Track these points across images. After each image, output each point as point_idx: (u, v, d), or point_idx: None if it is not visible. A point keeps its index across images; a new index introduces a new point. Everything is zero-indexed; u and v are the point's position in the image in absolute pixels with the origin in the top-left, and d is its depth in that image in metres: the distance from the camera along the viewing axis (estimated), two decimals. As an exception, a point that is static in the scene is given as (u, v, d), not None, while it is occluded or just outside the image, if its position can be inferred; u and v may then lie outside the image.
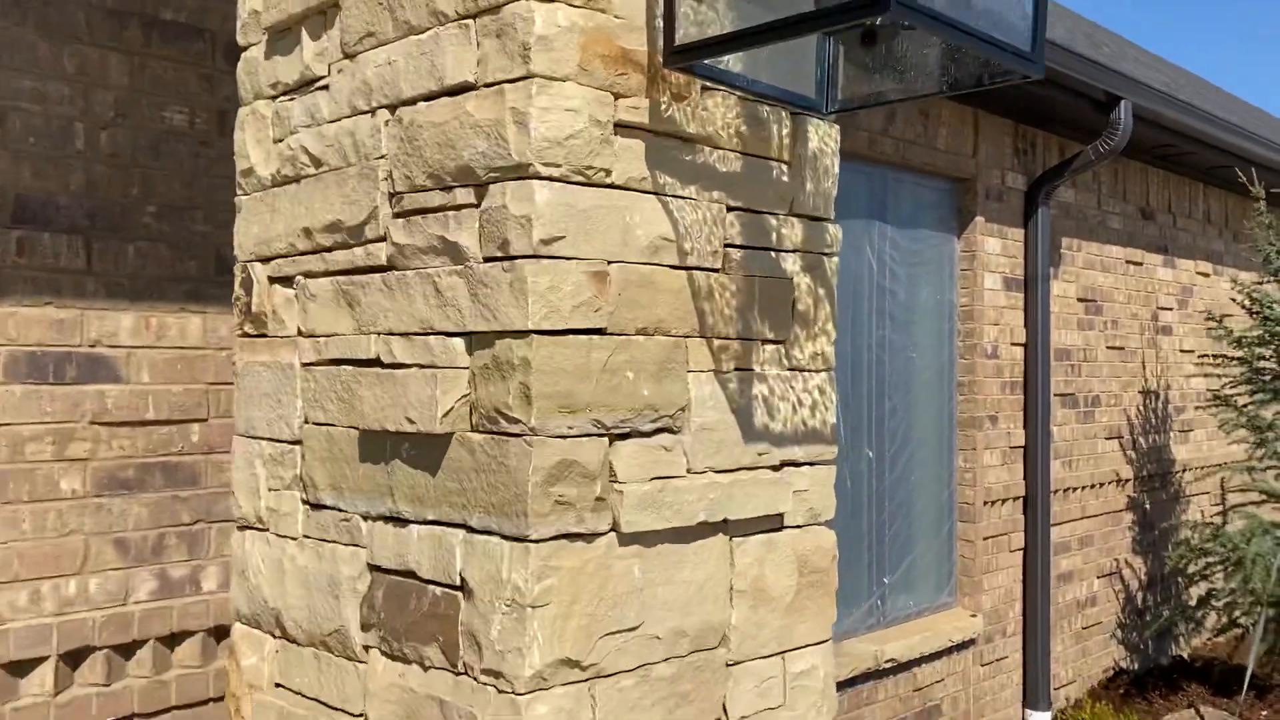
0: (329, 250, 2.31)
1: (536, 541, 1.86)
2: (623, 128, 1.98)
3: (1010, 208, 5.45)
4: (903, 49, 2.02)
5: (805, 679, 2.32)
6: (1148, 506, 6.64)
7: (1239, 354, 6.02)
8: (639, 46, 2.00)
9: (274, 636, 2.43)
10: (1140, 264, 6.61)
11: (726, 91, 2.17)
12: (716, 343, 2.16)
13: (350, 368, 2.23)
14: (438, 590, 2.02)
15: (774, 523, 2.27)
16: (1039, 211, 5.49)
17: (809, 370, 2.36)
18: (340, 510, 2.26)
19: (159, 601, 3.94)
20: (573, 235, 1.90)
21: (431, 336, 2.05)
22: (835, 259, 2.42)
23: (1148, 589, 6.64)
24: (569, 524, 1.91)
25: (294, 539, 2.38)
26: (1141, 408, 6.62)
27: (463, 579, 1.97)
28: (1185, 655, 6.79)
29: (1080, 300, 6.09)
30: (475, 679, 1.93)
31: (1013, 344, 5.43)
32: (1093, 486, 6.17)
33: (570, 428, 1.90)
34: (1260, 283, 6.13)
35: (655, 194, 2.04)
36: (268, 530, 2.47)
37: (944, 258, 5.14)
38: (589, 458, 1.94)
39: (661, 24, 2.01)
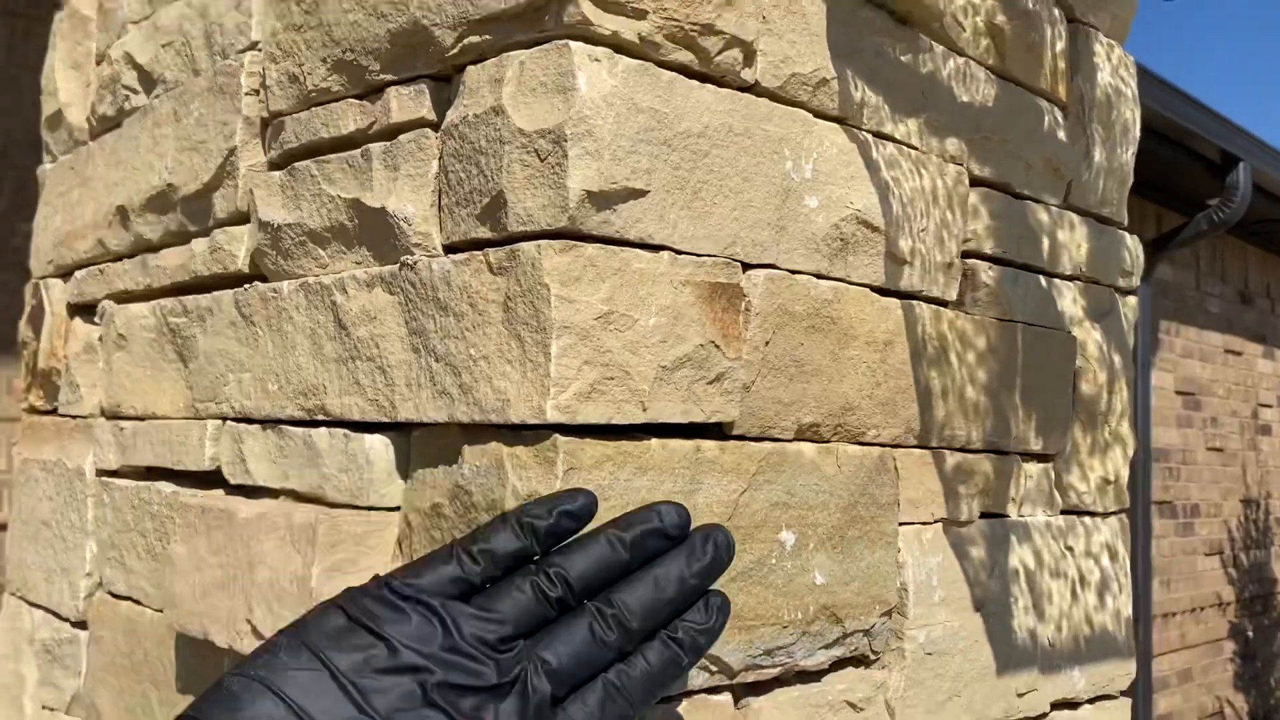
0: (154, 248, 1.17)
1: None
2: (784, -39, 0.85)
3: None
4: None
5: None
6: (1250, 634, 5.63)
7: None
8: None
9: None
10: (1239, 354, 5.64)
11: (970, -60, 1.04)
12: (950, 459, 1.00)
13: (166, 487, 1.07)
14: None
15: (1041, 835, 1.08)
16: (1139, 288, 4.34)
17: (1095, 512, 1.19)
18: (138, 785, 1.07)
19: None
20: (667, 189, 0.76)
21: (323, 430, 0.89)
22: (1135, 299, 1.27)
23: (1251, 731, 5.54)
24: None
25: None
26: (1242, 518, 5.69)
27: None
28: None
29: (1179, 393, 5.08)
30: None
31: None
32: (1193, 611, 5.17)
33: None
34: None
35: (841, 122, 0.90)
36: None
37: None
38: (690, 757, 0.76)
39: None
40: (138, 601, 1.10)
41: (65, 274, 1.36)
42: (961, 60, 1.03)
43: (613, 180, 0.72)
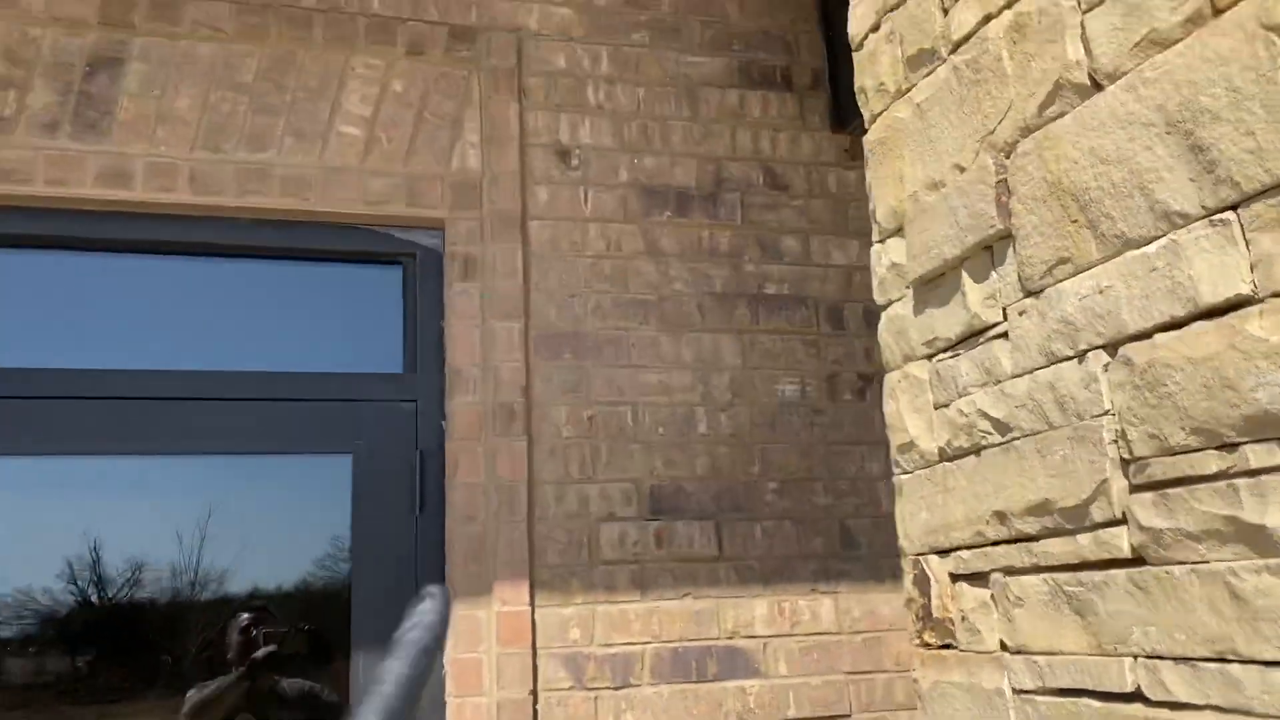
0: (1035, 539, 1.78)
1: None
2: None
3: None
4: None
5: None
6: None
7: None
8: None
9: None
10: None
11: None
12: None
13: (1095, 702, 1.63)
14: None
15: None
16: None
17: None
18: None
19: None
20: None
21: (1235, 665, 1.39)
22: None
23: None
24: None
25: None
26: None
27: None
28: None
29: None
30: None
31: None
32: None
33: None
34: None
35: None
36: None
37: None
38: None
39: None
40: (1075, 781, 1.65)
41: (941, 552, 2.03)
42: None
43: None
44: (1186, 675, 1.46)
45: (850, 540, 3.75)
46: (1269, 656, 1.34)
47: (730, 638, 3.57)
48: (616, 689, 3.42)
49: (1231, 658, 1.39)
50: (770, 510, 3.70)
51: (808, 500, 3.74)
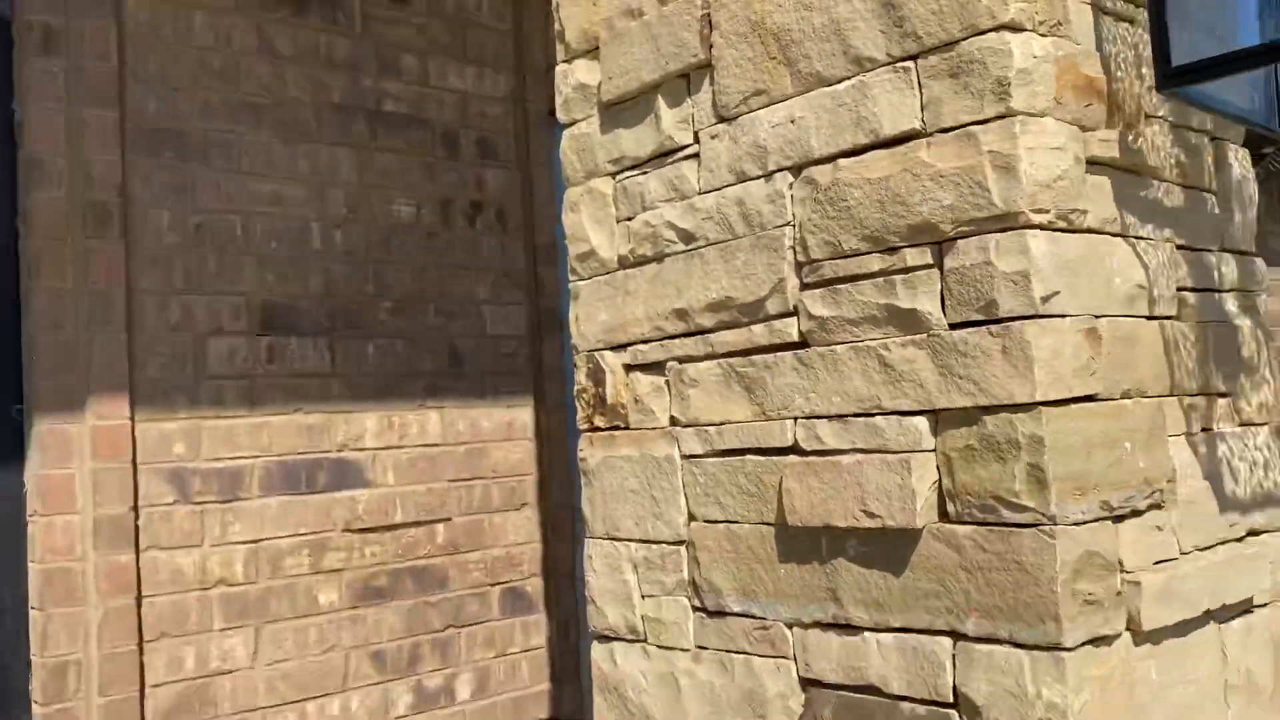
0: (711, 331, 2.09)
1: (1071, 649, 1.60)
2: (1092, 164, 1.75)
3: None
4: None
5: (1293, 782, 2.00)
6: None
7: None
8: (1097, 73, 1.78)
9: (667, 763, 2.18)
10: None
11: (1161, 119, 1.93)
12: (1185, 401, 1.90)
13: (757, 457, 2.00)
14: (917, 708, 1.76)
15: (1247, 604, 1.98)
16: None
17: (1257, 424, 2.08)
18: (754, 617, 2.01)
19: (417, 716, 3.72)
20: (1065, 289, 1.67)
21: (880, 417, 1.81)
22: (1265, 296, 2.15)
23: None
24: (1096, 625, 1.64)
25: (685, 651, 2.14)
26: None
27: (958, 694, 1.71)
28: None
29: None
30: (988, 812, 1.65)
31: None
32: None
33: (1084, 512, 1.65)
34: None
35: (1123, 236, 1.80)
36: (644, 642, 2.22)
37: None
38: (1105, 546, 1.67)
39: (1117, 50, 1.79)
40: (734, 522, 2.04)
41: (616, 348, 2.29)
42: (1164, 184, 1.92)
43: (1049, 288, 1.63)
44: (838, 429, 1.87)
45: (457, 359, 3.93)
46: (906, 407, 1.77)
47: (340, 450, 3.61)
48: (224, 502, 3.33)
49: (876, 412, 1.82)
50: (384, 329, 3.75)
51: (419, 320, 3.84)
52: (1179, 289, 1.94)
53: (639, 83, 2.21)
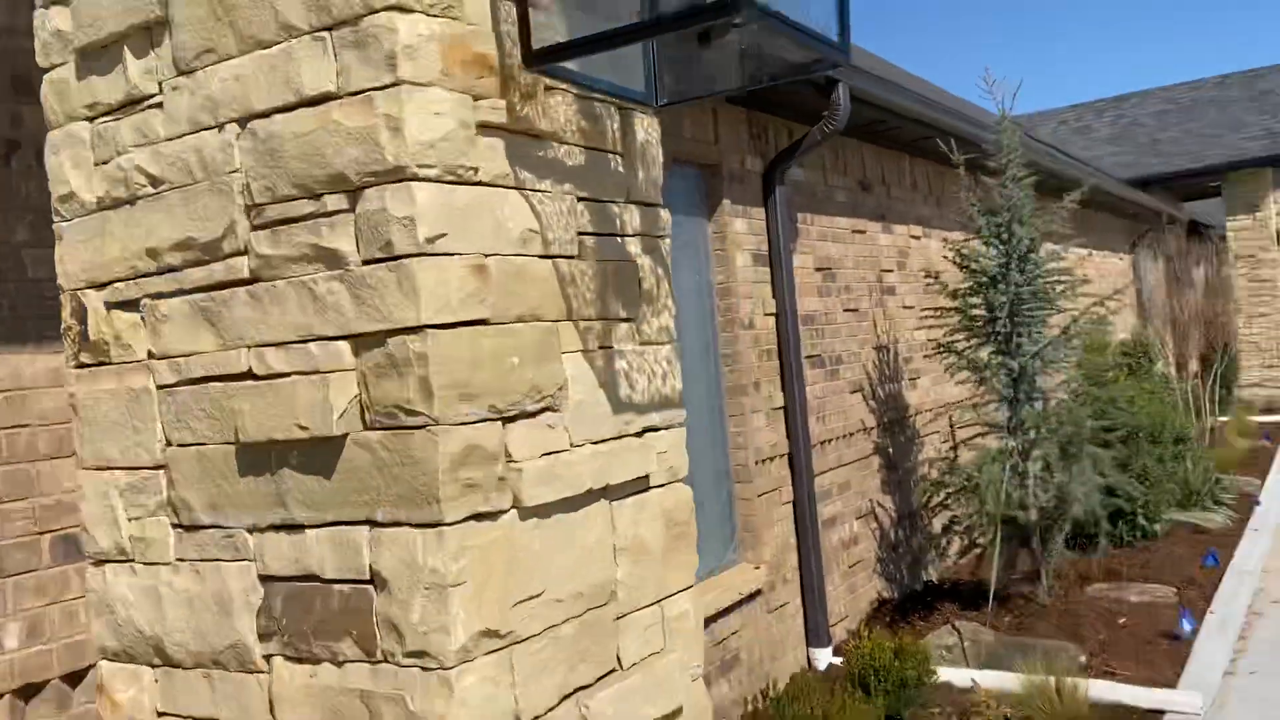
0: (179, 269, 2.28)
1: (451, 525, 1.97)
2: (484, 128, 2.11)
3: (751, 189, 5.84)
4: (730, 46, 2.26)
5: (680, 621, 2.54)
6: (891, 450, 7.27)
7: (954, 305, 6.74)
8: (490, 50, 2.13)
9: (153, 666, 2.37)
10: (864, 232, 7.24)
11: (565, 90, 2.33)
12: (582, 324, 2.33)
13: (219, 384, 2.22)
14: (345, 588, 2.08)
15: (642, 484, 2.47)
16: (776, 191, 5.88)
17: (657, 343, 2.58)
18: (221, 528, 2.24)
19: (-46, 671, 3.62)
20: (453, 232, 2.01)
21: (312, 343, 2.09)
22: (668, 240, 2.65)
23: (899, 524, 7.32)
24: (477, 504, 2.02)
25: (167, 564, 2.33)
26: (876, 361, 7.21)
27: (373, 572, 2.04)
28: (935, 579, 7.52)
29: (818, 270, 6.58)
30: (398, 664, 2.01)
31: (765, 314, 5.81)
32: (844, 437, 6.67)
33: (469, 414, 2.02)
34: (966, 240, 6.89)
35: (518, 189, 2.18)
36: (132, 561, 2.39)
37: (699, 239, 5.48)
38: (489, 441, 2.06)
39: (511, 30, 2.15)
40: (203, 444, 2.25)
41: (98, 286, 2.41)
42: (566, 146, 2.33)
43: (434, 230, 1.97)
44: (281, 355, 2.13)
45: (-11, 304, 3.78)
46: (331, 333, 2.06)
47: None
48: None
49: (310, 339, 2.09)
50: (-104, 272, 3.54)
51: (-59, 264, 3.66)
52: (581, 234, 2.37)
53: (107, 32, 2.32)
